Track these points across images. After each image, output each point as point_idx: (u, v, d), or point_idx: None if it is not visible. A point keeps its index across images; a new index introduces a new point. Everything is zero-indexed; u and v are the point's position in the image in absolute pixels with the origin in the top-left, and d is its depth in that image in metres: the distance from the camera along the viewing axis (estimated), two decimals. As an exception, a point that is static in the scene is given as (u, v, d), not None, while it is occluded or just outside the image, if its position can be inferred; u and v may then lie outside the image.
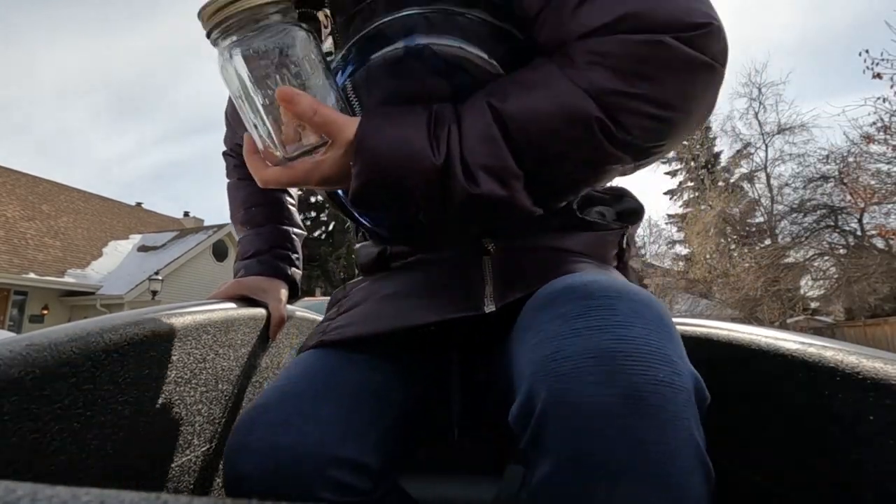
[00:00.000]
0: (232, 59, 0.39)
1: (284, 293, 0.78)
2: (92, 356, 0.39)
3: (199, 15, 0.40)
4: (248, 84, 0.39)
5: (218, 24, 0.39)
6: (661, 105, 0.39)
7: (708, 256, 13.09)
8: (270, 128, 0.40)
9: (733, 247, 13.56)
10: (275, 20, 0.40)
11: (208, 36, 0.40)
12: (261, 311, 0.73)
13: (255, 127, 0.41)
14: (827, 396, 0.43)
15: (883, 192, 9.59)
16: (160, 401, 0.47)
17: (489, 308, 0.47)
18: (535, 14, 0.42)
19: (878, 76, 8.05)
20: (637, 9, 0.38)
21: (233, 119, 0.80)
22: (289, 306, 0.87)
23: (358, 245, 0.65)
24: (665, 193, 19.79)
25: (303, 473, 0.40)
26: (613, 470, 0.31)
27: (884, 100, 8.67)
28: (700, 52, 0.38)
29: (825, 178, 10.89)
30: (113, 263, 13.88)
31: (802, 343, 0.48)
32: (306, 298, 9.23)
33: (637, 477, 0.30)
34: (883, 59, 7.96)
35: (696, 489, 0.31)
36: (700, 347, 0.63)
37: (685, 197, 18.40)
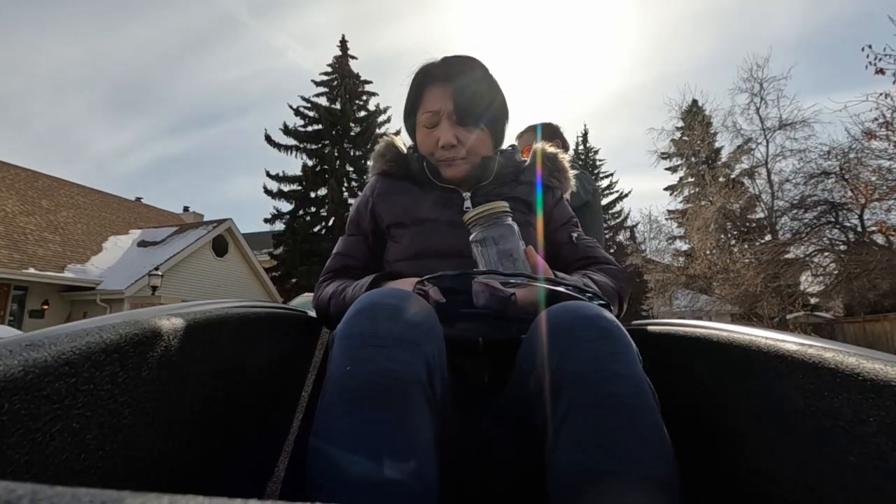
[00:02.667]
0: (479, 238, 0.74)
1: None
2: (91, 356, 0.39)
3: (466, 217, 0.76)
4: (485, 251, 0.73)
5: (474, 220, 0.75)
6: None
7: (708, 252, 13.08)
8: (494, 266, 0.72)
9: (733, 243, 13.55)
10: (505, 220, 0.75)
11: (468, 224, 0.76)
12: (262, 310, 0.73)
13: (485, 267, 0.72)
14: (827, 398, 0.43)
15: (884, 188, 9.56)
16: (160, 401, 0.47)
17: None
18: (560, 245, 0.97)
19: (881, 72, 8.00)
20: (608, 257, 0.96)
21: (346, 251, 0.99)
22: (289, 306, 0.87)
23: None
24: (665, 189, 19.77)
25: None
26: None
27: (886, 95, 8.63)
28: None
29: (826, 174, 10.84)
30: (113, 258, 13.87)
31: (802, 344, 0.48)
32: (305, 294, 9.19)
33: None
34: (886, 55, 7.92)
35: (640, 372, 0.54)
36: (700, 349, 0.63)
37: (685, 193, 18.36)
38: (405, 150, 1.02)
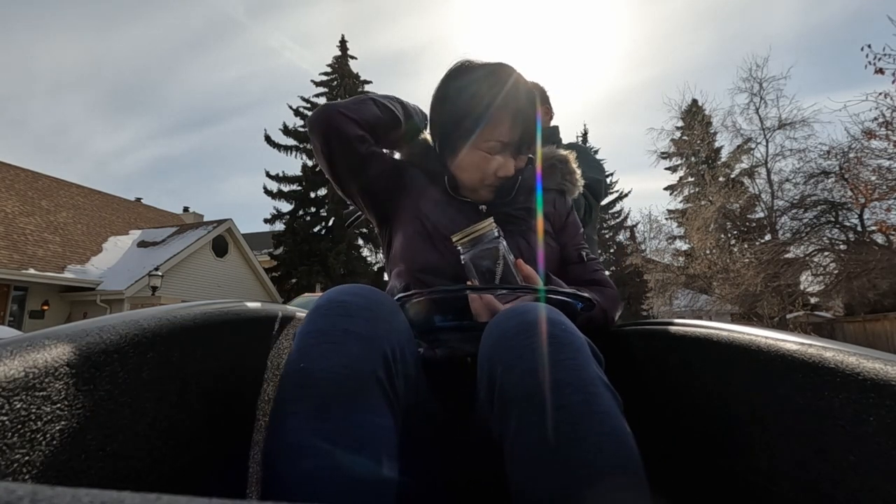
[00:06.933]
0: (469, 256, 0.76)
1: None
2: (91, 357, 0.39)
3: (455, 238, 0.77)
4: (475, 269, 0.76)
5: (462, 241, 0.77)
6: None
7: (708, 252, 13.08)
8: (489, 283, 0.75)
9: (733, 242, 13.56)
10: (491, 238, 0.76)
11: (459, 244, 0.78)
12: (263, 311, 0.73)
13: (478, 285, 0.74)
14: (827, 398, 0.43)
15: (884, 187, 9.56)
16: (160, 402, 0.48)
17: None
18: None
19: (881, 71, 8.01)
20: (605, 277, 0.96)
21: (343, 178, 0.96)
22: (289, 306, 0.87)
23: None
24: (665, 189, 19.78)
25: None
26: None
27: (886, 95, 8.63)
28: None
29: (826, 173, 10.85)
30: (113, 259, 13.87)
31: (802, 344, 0.48)
32: (305, 294, 9.19)
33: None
34: (885, 55, 7.93)
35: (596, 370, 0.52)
36: (700, 349, 0.63)
37: (685, 192, 18.37)
38: (427, 144, 0.99)
